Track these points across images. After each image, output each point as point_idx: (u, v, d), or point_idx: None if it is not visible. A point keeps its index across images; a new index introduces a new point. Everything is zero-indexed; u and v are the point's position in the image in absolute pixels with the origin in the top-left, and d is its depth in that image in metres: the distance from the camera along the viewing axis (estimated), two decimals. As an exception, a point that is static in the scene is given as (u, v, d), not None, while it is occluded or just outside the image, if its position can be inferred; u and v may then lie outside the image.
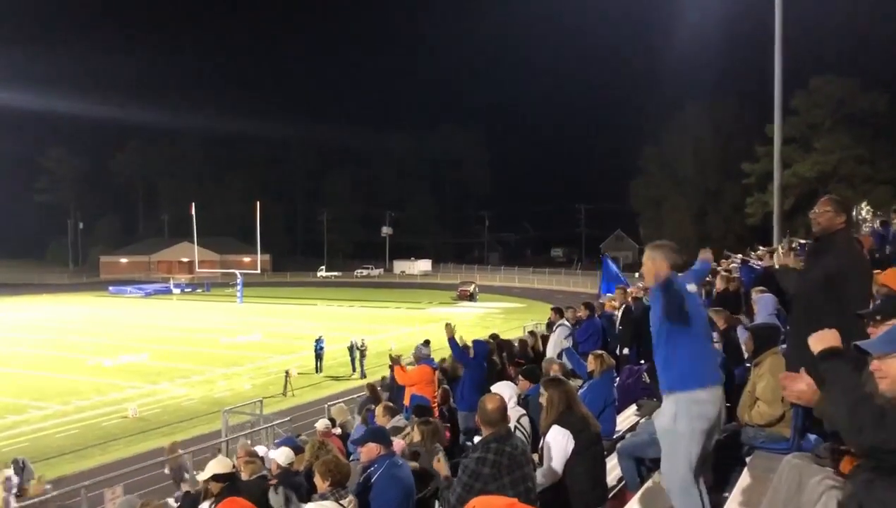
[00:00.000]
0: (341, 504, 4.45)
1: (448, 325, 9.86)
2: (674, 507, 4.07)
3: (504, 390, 6.28)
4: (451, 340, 9.68)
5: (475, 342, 9.77)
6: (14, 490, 13.88)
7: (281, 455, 6.65)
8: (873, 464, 2.50)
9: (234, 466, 6.40)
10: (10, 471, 14.11)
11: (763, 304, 7.71)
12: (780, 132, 19.23)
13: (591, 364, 7.52)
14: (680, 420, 3.91)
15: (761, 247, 13.70)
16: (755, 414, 5.07)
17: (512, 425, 5.90)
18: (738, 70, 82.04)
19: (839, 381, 2.58)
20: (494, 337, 12.03)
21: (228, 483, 5.67)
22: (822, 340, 2.73)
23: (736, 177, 65.98)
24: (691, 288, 4.12)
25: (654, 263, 4.06)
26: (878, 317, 3.21)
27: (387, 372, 14.36)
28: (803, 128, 60.87)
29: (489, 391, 6.49)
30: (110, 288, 76.08)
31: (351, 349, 30.53)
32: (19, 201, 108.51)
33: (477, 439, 5.49)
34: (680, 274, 4.17)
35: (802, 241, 15.87)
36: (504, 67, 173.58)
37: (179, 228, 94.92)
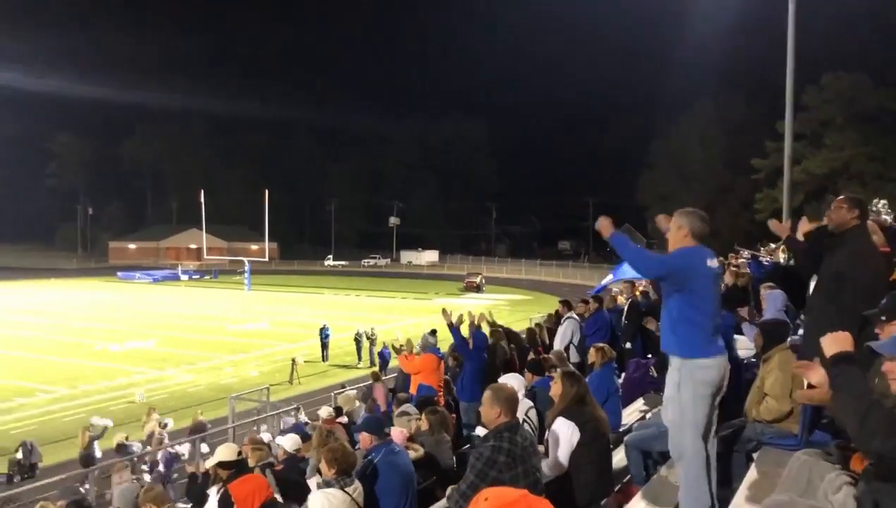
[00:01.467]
0: (346, 492, 4.47)
1: (445, 312, 9.84)
2: (682, 474, 4.12)
3: (512, 382, 6.28)
4: (451, 327, 9.66)
5: (475, 332, 9.77)
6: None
7: (288, 441, 6.69)
8: (888, 470, 2.48)
9: (240, 453, 6.43)
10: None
11: (772, 300, 7.67)
12: (791, 128, 19.11)
13: (592, 356, 7.57)
14: (684, 386, 3.99)
15: (771, 244, 13.65)
16: (763, 409, 5.05)
17: (520, 417, 5.92)
18: (748, 66, 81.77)
19: (850, 387, 2.56)
20: (501, 326, 12.02)
21: (235, 469, 5.69)
22: (835, 343, 2.69)
23: (745, 172, 65.70)
24: (712, 263, 4.10)
25: (679, 229, 4.13)
26: (884, 318, 3.20)
27: (395, 362, 14.43)
28: (814, 125, 60.52)
29: (490, 381, 6.52)
30: (119, 273, 76.44)
31: (357, 338, 30.52)
32: (29, 186, 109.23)
33: (480, 430, 5.50)
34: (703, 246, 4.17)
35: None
36: (513, 59, 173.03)
37: (188, 215, 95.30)
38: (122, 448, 14.85)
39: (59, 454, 18.08)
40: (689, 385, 3.96)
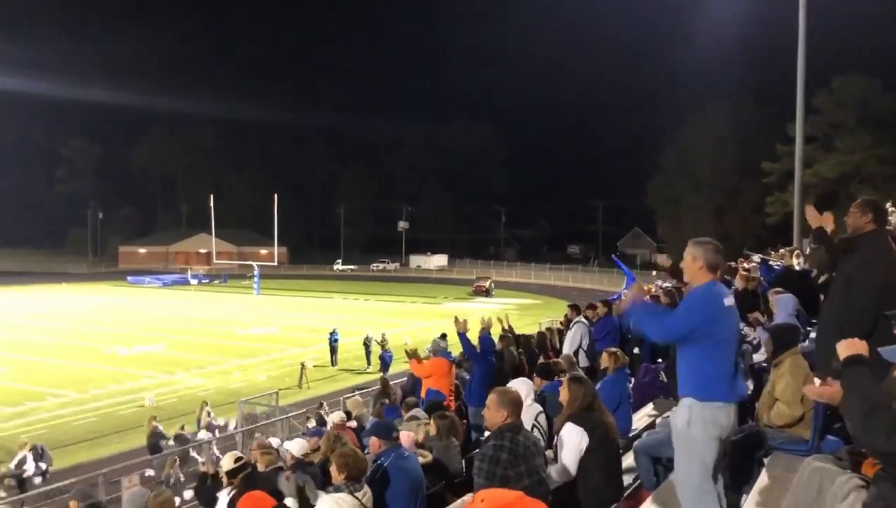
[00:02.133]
0: (356, 497, 4.46)
1: (457, 320, 9.84)
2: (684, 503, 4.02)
3: (520, 386, 6.26)
4: (462, 335, 9.66)
5: (482, 337, 9.75)
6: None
7: (295, 446, 6.70)
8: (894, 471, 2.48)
9: (238, 459, 6.42)
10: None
11: (783, 305, 7.63)
12: (801, 131, 19.03)
13: (605, 361, 7.51)
14: (694, 425, 3.85)
15: (783, 248, 13.57)
16: (774, 414, 5.02)
17: (530, 422, 5.90)
18: (759, 69, 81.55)
19: (858, 387, 2.60)
20: (510, 330, 12.01)
21: (244, 475, 5.73)
22: (850, 347, 2.74)
23: (755, 176, 65.42)
24: (728, 301, 4.00)
25: (695, 261, 4.00)
26: None
27: (404, 366, 14.43)
28: (825, 128, 60.26)
29: (498, 385, 6.49)
30: (129, 277, 76.78)
31: (366, 343, 30.52)
32: (40, 191, 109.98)
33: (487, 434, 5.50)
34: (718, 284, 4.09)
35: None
36: (521, 62, 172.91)
37: (197, 219, 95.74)
38: (179, 439, 15.95)
39: (69, 457, 18.19)
40: (699, 424, 3.84)
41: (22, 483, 15.31)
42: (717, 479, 4.00)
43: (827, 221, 5.07)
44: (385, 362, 28.47)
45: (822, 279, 8.74)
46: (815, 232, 5.22)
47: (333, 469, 4.68)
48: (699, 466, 3.86)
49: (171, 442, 17.75)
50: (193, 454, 16.31)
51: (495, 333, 10.17)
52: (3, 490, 15.26)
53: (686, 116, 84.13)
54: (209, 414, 19.58)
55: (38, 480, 15.42)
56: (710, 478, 3.87)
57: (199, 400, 24.19)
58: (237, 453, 6.86)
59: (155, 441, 17.58)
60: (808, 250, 11.55)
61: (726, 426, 3.89)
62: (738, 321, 4.15)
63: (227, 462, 6.12)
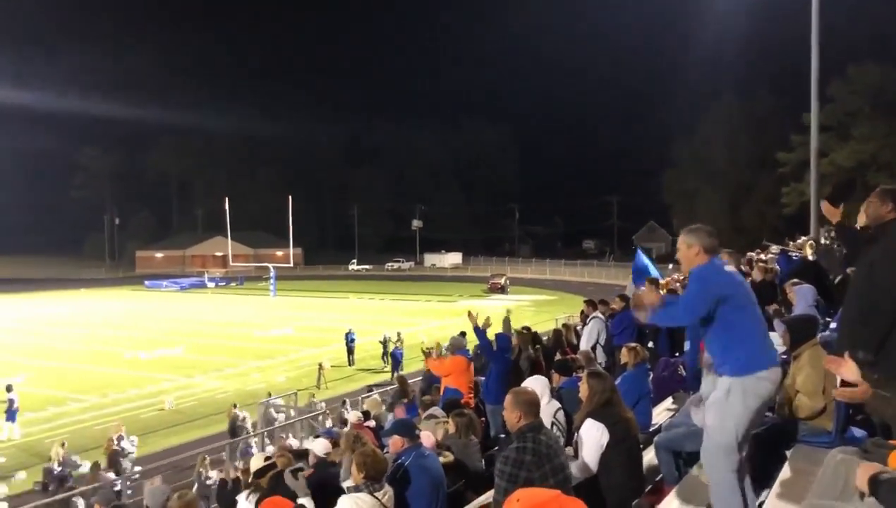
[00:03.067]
0: (376, 497, 4.46)
1: (470, 314, 9.81)
2: (710, 477, 4.02)
3: (536, 384, 6.24)
4: (477, 329, 9.62)
5: (497, 335, 9.71)
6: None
7: (318, 446, 6.72)
8: None
9: (267, 458, 6.50)
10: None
11: (802, 295, 7.56)
12: (817, 119, 18.85)
13: (624, 356, 7.47)
14: (734, 394, 3.84)
15: (802, 237, 13.47)
16: (796, 407, 4.98)
17: (549, 420, 5.88)
18: (772, 59, 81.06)
19: None
20: (527, 328, 11.98)
21: (272, 474, 5.79)
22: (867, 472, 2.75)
23: (770, 167, 64.99)
24: (730, 268, 4.05)
25: (690, 248, 4.07)
26: None
27: (419, 365, 14.43)
28: (840, 116, 59.64)
29: (515, 384, 6.48)
30: (146, 282, 77.39)
31: (384, 343, 30.51)
32: (57, 198, 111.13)
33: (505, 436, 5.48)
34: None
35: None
36: (535, 60, 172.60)
37: (213, 223, 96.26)
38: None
39: (91, 461, 18.27)
40: (739, 395, 3.83)
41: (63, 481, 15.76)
42: (744, 449, 3.98)
43: (841, 215, 5.03)
44: (396, 359, 28.56)
45: (837, 278, 8.67)
46: (836, 227, 5.16)
47: (353, 469, 4.68)
48: (730, 433, 3.85)
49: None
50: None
51: (497, 329, 10.12)
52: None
53: (699, 109, 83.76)
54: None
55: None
56: (738, 450, 3.86)
57: (219, 402, 24.43)
58: (265, 453, 6.95)
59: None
60: (823, 241, 11.44)
61: (766, 397, 3.89)
62: (748, 287, 4.15)
63: (256, 462, 6.22)
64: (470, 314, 9.86)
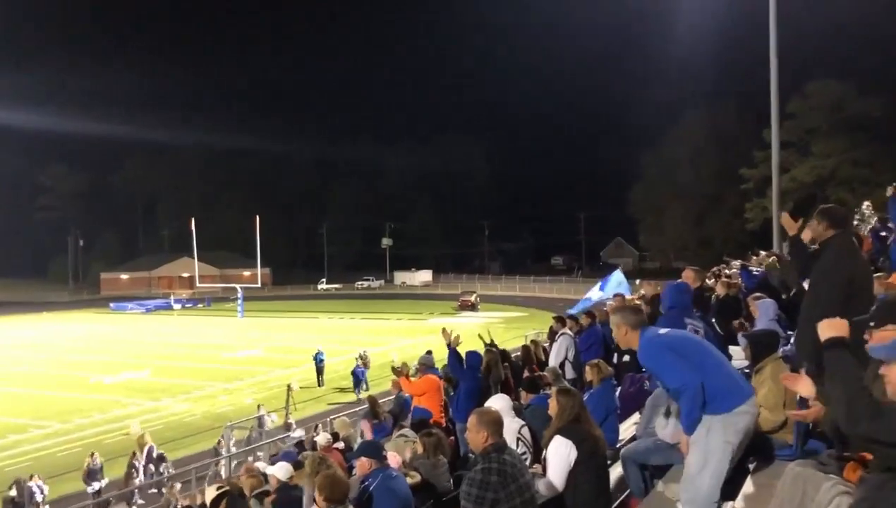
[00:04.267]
0: (339, 520, 4.44)
1: (445, 331, 9.78)
2: None
3: (499, 403, 6.25)
4: (451, 348, 9.58)
5: (468, 353, 9.71)
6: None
7: (280, 471, 6.65)
8: (884, 467, 2.50)
9: (220, 488, 6.40)
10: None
11: (764, 310, 7.69)
12: (777, 136, 19.27)
13: (588, 373, 7.51)
14: (714, 433, 3.83)
15: (762, 252, 13.70)
16: (758, 420, 5.04)
17: (514, 437, 5.89)
18: (736, 76, 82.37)
19: (841, 371, 2.63)
20: (495, 346, 11.97)
21: (225, 501, 5.71)
22: (831, 327, 2.79)
23: (735, 182, 66.12)
24: (662, 330, 4.11)
25: (619, 328, 4.22)
26: (872, 324, 3.22)
27: (389, 385, 14.36)
28: (801, 133, 61.04)
29: (483, 402, 6.48)
30: (111, 304, 76.19)
31: (354, 373, 28.92)
32: (20, 219, 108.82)
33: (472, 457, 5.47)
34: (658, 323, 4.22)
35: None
36: (502, 76, 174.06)
37: (179, 243, 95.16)
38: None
39: (55, 489, 17.88)
40: (719, 431, 3.82)
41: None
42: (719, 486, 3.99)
43: (798, 228, 5.19)
44: (357, 377, 28.29)
45: (793, 292, 8.83)
46: (791, 239, 5.33)
47: (316, 493, 4.65)
48: (713, 476, 3.83)
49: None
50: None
51: (468, 347, 10.09)
52: None
53: (665, 124, 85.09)
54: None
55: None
56: (719, 491, 3.84)
57: (186, 425, 24.09)
58: (218, 483, 6.86)
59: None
60: (784, 253, 11.63)
61: (747, 431, 3.89)
62: (691, 335, 4.30)
63: (209, 494, 6.16)
64: (444, 331, 9.83)
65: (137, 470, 17.82)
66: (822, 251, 4.81)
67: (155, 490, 17.18)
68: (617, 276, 20.39)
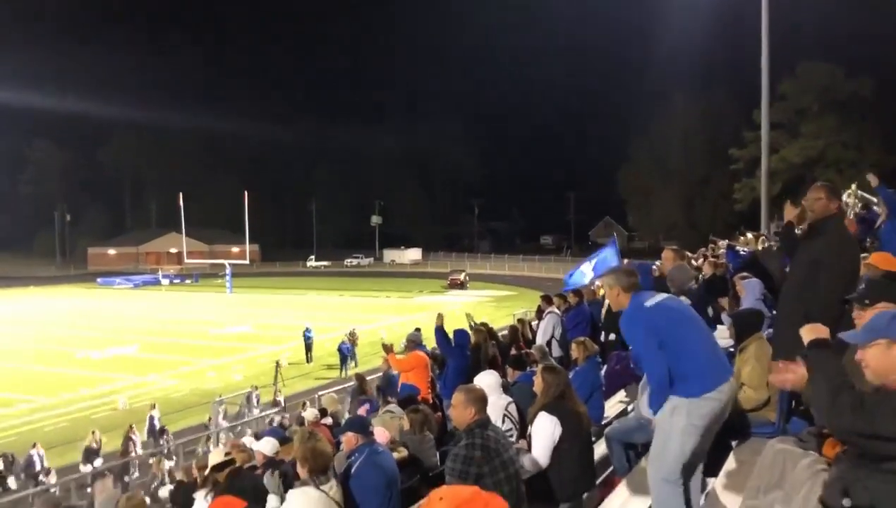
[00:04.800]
0: (322, 490, 4.46)
1: (440, 315, 9.93)
2: (653, 497, 3.99)
3: (488, 379, 6.30)
4: (439, 329, 9.70)
5: (456, 331, 9.78)
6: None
7: (266, 446, 6.69)
8: (858, 451, 2.54)
9: (228, 454, 6.47)
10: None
11: (750, 289, 7.74)
12: (766, 117, 19.31)
13: (574, 351, 7.57)
14: (678, 414, 3.82)
15: (749, 233, 13.77)
16: (741, 398, 5.09)
17: (500, 414, 5.94)
18: (727, 57, 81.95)
19: (823, 369, 2.66)
20: (484, 325, 12.03)
21: (230, 470, 5.76)
22: (813, 331, 2.82)
23: (723, 163, 66.22)
24: (650, 301, 4.05)
25: (612, 289, 4.22)
26: (867, 302, 3.25)
27: (378, 362, 14.43)
28: (790, 114, 61.15)
29: (472, 380, 6.53)
30: (98, 279, 75.81)
31: (340, 349, 29.31)
32: (5, 194, 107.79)
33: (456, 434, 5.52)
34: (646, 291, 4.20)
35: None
36: (493, 57, 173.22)
37: (167, 219, 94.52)
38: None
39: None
40: (683, 413, 3.80)
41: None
42: (696, 468, 4.02)
43: (800, 215, 5.10)
44: (343, 353, 28.51)
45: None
46: (785, 225, 5.25)
47: (298, 465, 4.69)
48: (672, 456, 3.83)
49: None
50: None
51: (453, 326, 10.21)
52: None
53: (655, 105, 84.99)
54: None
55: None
56: (680, 471, 3.84)
57: (174, 401, 24.13)
58: (226, 448, 6.90)
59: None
60: (770, 235, 11.69)
61: (714, 415, 3.84)
62: (675, 310, 4.11)
63: (215, 457, 6.18)
64: (439, 315, 9.97)
65: (135, 443, 17.95)
66: (821, 229, 4.65)
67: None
68: (609, 252, 20.33)
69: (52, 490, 14.63)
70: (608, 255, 19.53)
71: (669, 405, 3.89)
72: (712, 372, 3.87)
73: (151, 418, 19.77)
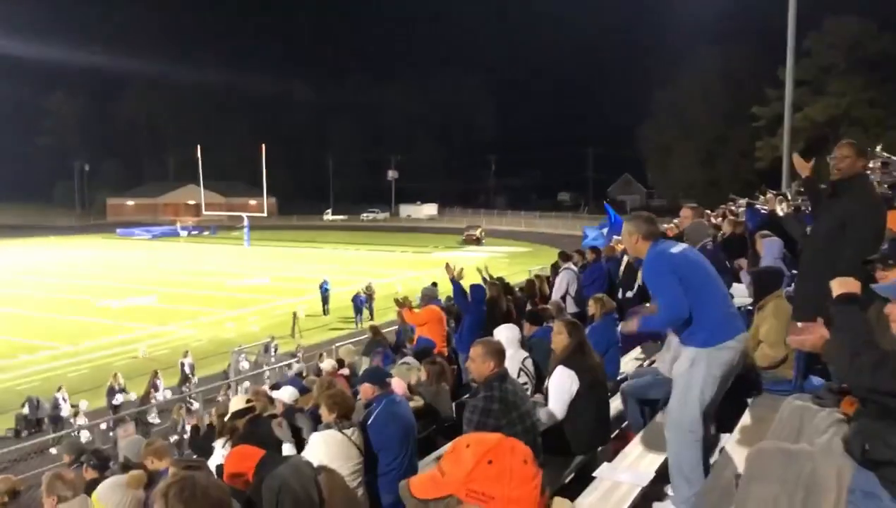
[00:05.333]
0: (345, 433, 4.57)
1: (448, 266, 9.91)
2: (671, 446, 4.04)
3: (507, 333, 6.34)
4: (454, 282, 9.74)
5: (472, 286, 9.82)
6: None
7: (285, 394, 6.80)
8: (879, 407, 2.54)
9: (249, 401, 6.58)
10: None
11: (769, 248, 7.69)
12: (791, 74, 18.94)
13: (591, 307, 7.59)
14: (697, 365, 3.86)
15: (770, 192, 13.60)
16: (759, 356, 5.11)
17: (516, 367, 5.99)
18: (750, 13, 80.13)
19: (848, 325, 2.64)
20: (500, 279, 12.07)
21: (250, 417, 5.88)
22: (843, 285, 2.77)
23: (744, 121, 65.12)
24: (676, 248, 4.04)
25: (631, 236, 4.14)
26: (891, 262, 3.22)
27: (394, 315, 14.51)
28: (816, 71, 59.78)
29: (488, 334, 6.57)
30: (118, 230, 76.46)
31: (354, 300, 29.76)
32: (24, 145, 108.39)
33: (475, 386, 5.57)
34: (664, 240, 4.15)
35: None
36: (510, 9, 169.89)
37: (185, 171, 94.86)
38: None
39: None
40: (703, 365, 3.84)
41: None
42: (710, 421, 4.06)
43: (811, 170, 5.03)
44: (357, 305, 28.84)
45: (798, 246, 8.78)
46: (804, 181, 5.18)
47: (323, 410, 4.78)
48: (695, 404, 3.87)
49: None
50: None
51: (472, 281, 10.23)
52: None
53: (676, 62, 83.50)
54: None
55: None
56: (701, 421, 3.89)
57: (192, 350, 24.45)
58: (247, 395, 7.04)
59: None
60: (791, 194, 11.55)
61: (732, 364, 3.89)
62: (699, 260, 4.12)
63: (236, 403, 6.32)
64: (447, 266, 9.94)
65: (157, 388, 18.40)
66: (845, 189, 4.57)
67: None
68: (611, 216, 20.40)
69: (76, 433, 15.01)
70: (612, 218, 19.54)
71: (687, 356, 3.93)
72: (728, 322, 3.92)
73: (183, 365, 20.19)
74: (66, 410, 17.29)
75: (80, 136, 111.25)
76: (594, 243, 15.03)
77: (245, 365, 20.48)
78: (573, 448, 5.04)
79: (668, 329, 4.05)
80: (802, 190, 5.60)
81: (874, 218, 4.45)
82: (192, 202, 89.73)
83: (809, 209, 7.07)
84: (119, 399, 17.61)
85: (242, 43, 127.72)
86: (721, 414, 4.57)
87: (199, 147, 61.70)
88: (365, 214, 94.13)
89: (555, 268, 13.00)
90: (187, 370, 20.25)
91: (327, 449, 4.46)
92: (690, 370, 3.88)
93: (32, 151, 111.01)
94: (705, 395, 3.86)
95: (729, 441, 4.38)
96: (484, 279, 11.35)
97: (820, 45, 59.04)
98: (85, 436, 14.85)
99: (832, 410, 3.00)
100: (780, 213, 10.11)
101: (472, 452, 1.59)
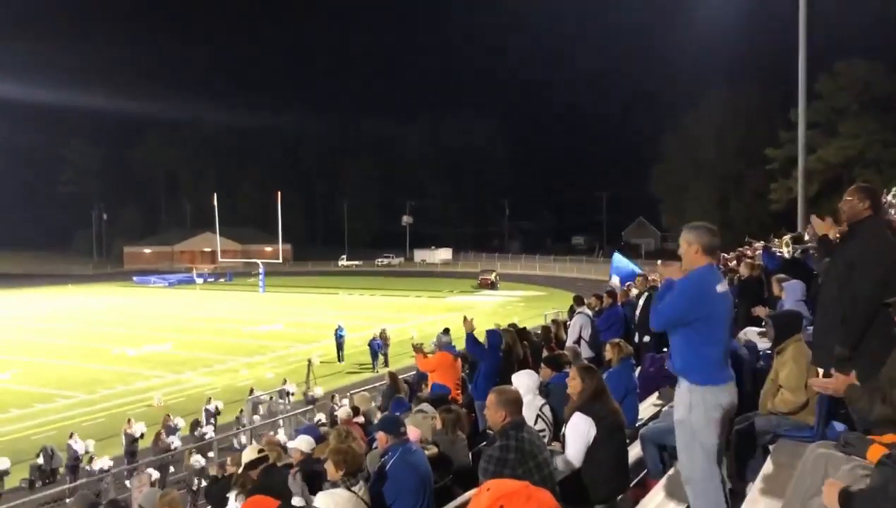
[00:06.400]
0: (352, 491, 4.50)
1: (466, 319, 9.87)
2: (691, 499, 3.98)
3: (524, 379, 6.28)
4: (470, 335, 9.68)
5: (489, 332, 9.77)
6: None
7: (303, 443, 6.74)
8: None
9: (260, 451, 6.54)
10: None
11: (791, 291, 7.63)
12: (804, 116, 18.97)
13: (608, 352, 7.51)
14: (695, 409, 3.85)
15: (788, 234, 13.54)
16: (779, 401, 5.02)
17: (534, 414, 5.91)
18: (761, 55, 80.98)
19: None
20: (513, 326, 12.00)
21: (264, 467, 5.82)
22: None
23: (758, 162, 65.28)
24: (721, 287, 3.98)
25: (690, 246, 3.98)
26: None
27: (409, 361, 14.47)
28: (828, 113, 60.02)
29: (504, 381, 6.51)
30: (135, 277, 77.07)
31: (371, 345, 29.82)
32: (44, 193, 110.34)
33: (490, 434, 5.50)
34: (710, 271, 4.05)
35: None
36: (523, 54, 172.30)
37: (201, 218, 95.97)
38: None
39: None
40: (700, 408, 3.83)
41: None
42: (722, 462, 4.00)
43: (825, 228, 5.06)
44: (373, 349, 28.96)
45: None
46: (819, 239, 5.19)
47: (330, 466, 4.71)
48: (701, 451, 3.86)
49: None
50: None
51: (487, 326, 10.19)
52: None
53: (688, 104, 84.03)
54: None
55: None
56: (715, 462, 3.87)
57: (207, 398, 24.42)
58: (259, 446, 6.98)
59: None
60: (807, 236, 11.46)
61: (728, 406, 3.89)
62: (731, 305, 4.10)
63: (248, 454, 6.27)
64: (465, 319, 9.90)
65: (171, 433, 18.30)
66: (855, 232, 4.55)
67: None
68: (617, 260, 20.58)
69: (94, 479, 14.91)
70: (617, 262, 19.69)
71: (683, 401, 3.94)
72: (724, 368, 3.94)
73: (207, 411, 20.16)
74: (80, 448, 17.30)
75: (98, 184, 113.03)
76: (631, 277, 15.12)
77: (256, 416, 20.35)
78: (592, 497, 4.94)
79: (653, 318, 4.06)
80: (818, 244, 5.57)
81: (883, 259, 4.40)
82: (208, 249, 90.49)
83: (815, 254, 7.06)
84: (174, 440, 17.66)
85: (257, 92, 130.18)
86: (741, 462, 4.50)
87: (214, 195, 62.44)
88: (379, 259, 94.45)
89: (571, 312, 12.93)
90: (213, 410, 20.58)
91: (337, 509, 4.41)
92: (689, 417, 3.87)
93: (52, 199, 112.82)
94: (710, 441, 3.85)
95: (753, 490, 4.29)
96: (506, 326, 11.31)
97: (831, 87, 59.37)
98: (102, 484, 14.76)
99: (857, 463, 2.93)
100: (787, 256, 10.06)
101: (489, 496, 1.61)
